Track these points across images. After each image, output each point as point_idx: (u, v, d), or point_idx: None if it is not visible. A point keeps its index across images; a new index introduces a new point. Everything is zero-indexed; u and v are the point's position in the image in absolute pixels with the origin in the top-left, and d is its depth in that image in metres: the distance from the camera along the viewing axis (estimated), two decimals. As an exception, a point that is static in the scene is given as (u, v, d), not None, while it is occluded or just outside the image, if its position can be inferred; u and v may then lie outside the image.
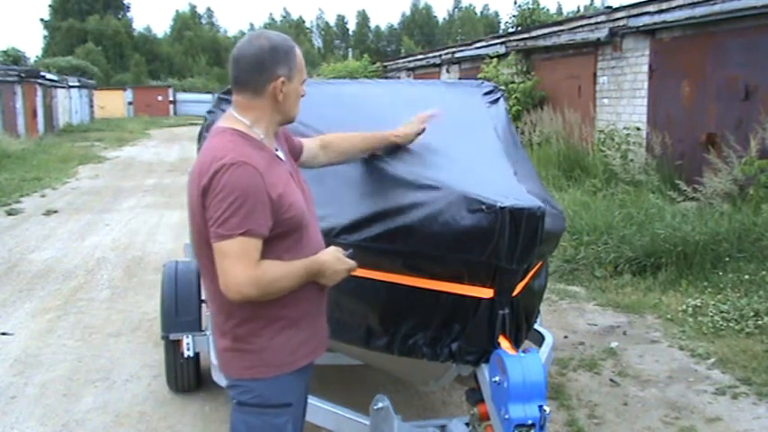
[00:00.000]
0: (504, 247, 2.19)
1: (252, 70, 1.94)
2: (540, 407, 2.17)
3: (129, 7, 75.97)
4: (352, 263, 2.05)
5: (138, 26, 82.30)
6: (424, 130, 2.66)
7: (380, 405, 2.57)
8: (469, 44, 16.92)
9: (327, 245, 2.18)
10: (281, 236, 1.92)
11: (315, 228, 2.11)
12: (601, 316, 5.39)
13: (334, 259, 2.00)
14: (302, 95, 2.07)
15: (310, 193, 2.15)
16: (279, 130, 2.11)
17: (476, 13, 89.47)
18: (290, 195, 1.94)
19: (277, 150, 2.05)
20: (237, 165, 1.82)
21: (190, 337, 3.71)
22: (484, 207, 2.20)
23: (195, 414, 3.78)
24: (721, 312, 5.05)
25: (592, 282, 6.17)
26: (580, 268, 6.40)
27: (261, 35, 1.99)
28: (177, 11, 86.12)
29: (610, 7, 11.09)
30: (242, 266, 1.81)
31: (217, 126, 2.01)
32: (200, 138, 4.30)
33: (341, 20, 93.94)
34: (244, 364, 1.98)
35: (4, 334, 5.10)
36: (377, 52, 60.81)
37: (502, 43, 14.09)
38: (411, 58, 21.40)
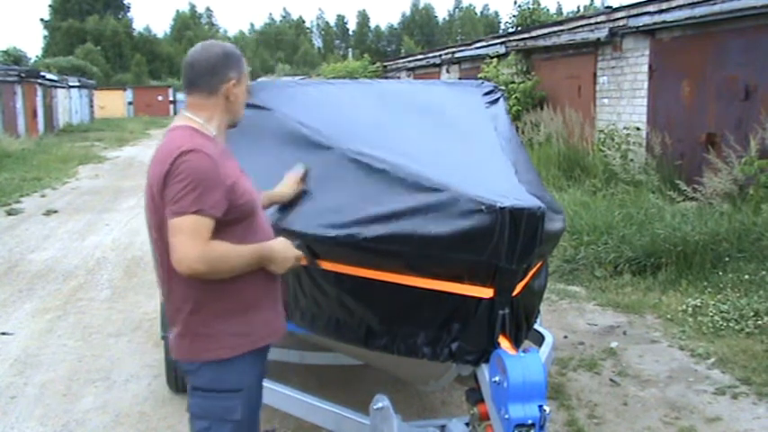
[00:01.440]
0: (504, 247, 2.19)
1: (206, 73, 2.14)
2: (540, 407, 2.17)
3: (128, 7, 75.99)
4: (299, 252, 2.24)
5: (138, 26, 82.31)
6: (303, 191, 2.76)
7: (380, 405, 2.57)
8: (469, 44, 16.92)
9: (328, 244, 2.19)
10: (233, 222, 2.08)
11: (265, 221, 2.30)
12: (601, 316, 5.39)
13: (284, 247, 2.18)
14: (245, 102, 2.28)
15: (258, 188, 2.34)
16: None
17: (476, 13, 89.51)
18: (243, 185, 2.14)
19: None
20: (195, 152, 2.01)
21: (190, 337, 3.71)
22: (484, 207, 2.20)
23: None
24: (721, 312, 5.05)
25: (592, 282, 6.17)
26: (580, 268, 6.40)
27: (214, 43, 2.24)
28: (177, 11, 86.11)
29: (610, 7, 11.10)
30: (192, 242, 1.96)
31: (172, 125, 2.18)
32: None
33: (341, 20, 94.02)
34: (196, 349, 2.12)
35: (4, 334, 5.10)
36: (377, 52, 60.85)
37: (502, 43, 14.09)
38: (411, 58, 21.40)
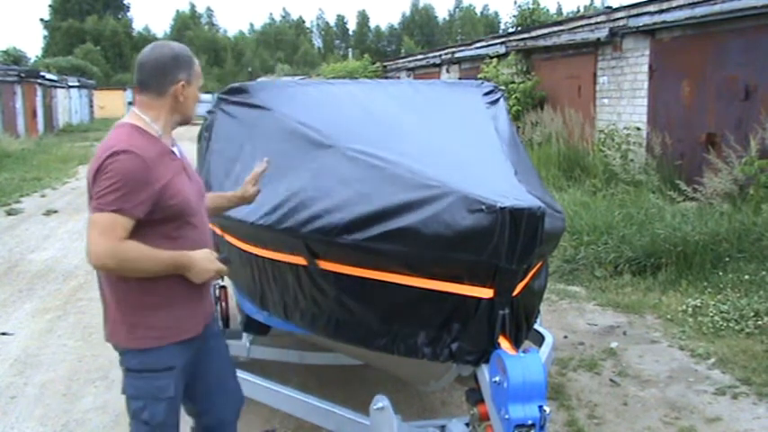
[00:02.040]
0: (504, 247, 2.19)
1: (156, 74, 2.22)
2: (540, 407, 2.17)
3: (128, 7, 75.99)
4: (221, 266, 2.27)
5: (138, 26, 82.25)
6: (258, 191, 2.71)
7: (380, 405, 2.57)
8: (469, 44, 16.92)
9: (328, 244, 2.19)
10: (162, 220, 2.17)
11: (201, 222, 2.35)
12: (601, 316, 5.39)
13: (204, 258, 2.22)
14: (199, 101, 2.36)
15: (202, 189, 2.45)
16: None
17: (476, 13, 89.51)
18: (177, 185, 2.20)
19: (173, 146, 2.31)
20: (125, 153, 2.08)
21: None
22: (484, 207, 2.20)
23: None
24: (721, 312, 5.05)
25: (592, 282, 6.16)
26: (580, 268, 6.40)
27: (165, 44, 2.31)
28: (177, 11, 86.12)
29: (610, 7, 11.11)
30: (104, 238, 2.05)
31: (119, 122, 2.28)
32: (200, 137, 4.30)
33: (341, 20, 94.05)
34: (129, 336, 2.23)
35: (4, 334, 5.10)
36: (377, 52, 60.85)
37: (502, 43, 14.09)
38: (411, 58, 21.40)
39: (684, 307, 5.28)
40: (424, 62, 19.42)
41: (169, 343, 2.24)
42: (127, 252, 2.07)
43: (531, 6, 19.38)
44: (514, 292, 2.36)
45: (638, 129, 9.52)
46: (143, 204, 2.08)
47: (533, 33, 13.15)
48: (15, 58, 43.82)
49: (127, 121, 2.25)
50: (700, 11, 8.40)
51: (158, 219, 2.15)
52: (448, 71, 17.47)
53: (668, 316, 5.24)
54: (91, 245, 2.06)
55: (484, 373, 2.34)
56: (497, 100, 3.83)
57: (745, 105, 7.96)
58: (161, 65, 2.22)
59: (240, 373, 3.20)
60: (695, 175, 7.65)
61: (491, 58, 13.82)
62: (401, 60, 22.81)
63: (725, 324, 4.91)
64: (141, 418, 2.28)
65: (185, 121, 2.35)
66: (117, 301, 2.23)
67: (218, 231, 3.18)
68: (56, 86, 29.76)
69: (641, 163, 8.98)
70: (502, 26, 63.84)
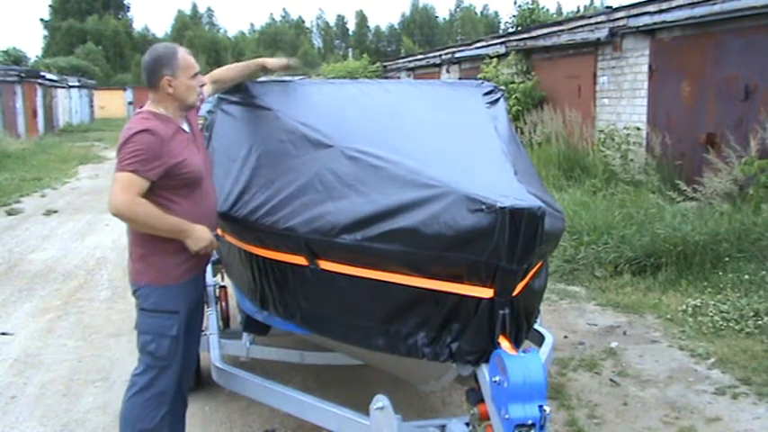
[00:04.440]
0: (504, 247, 2.18)
1: (147, 74, 2.77)
2: (540, 407, 2.17)
3: (128, 7, 75.98)
4: (213, 238, 2.82)
5: (138, 26, 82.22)
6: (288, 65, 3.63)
7: (380, 405, 2.57)
8: (469, 44, 16.91)
9: (328, 244, 2.25)
10: (178, 186, 2.72)
11: (209, 189, 2.92)
12: (601, 316, 5.39)
13: (201, 230, 2.74)
14: (200, 84, 2.87)
15: (210, 160, 3.09)
16: (185, 113, 2.88)
17: (476, 13, 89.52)
18: (189, 158, 2.74)
19: (183, 125, 2.82)
20: (146, 131, 2.62)
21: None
22: (484, 207, 2.20)
23: (195, 414, 3.77)
24: (721, 312, 5.05)
25: (592, 282, 6.17)
26: (580, 268, 6.40)
27: (152, 48, 2.82)
28: (178, 11, 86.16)
29: (610, 7, 11.10)
30: (123, 192, 2.56)
31: (138, 110, 2.83)
32: (201, 137, 4.30)
33: (341, 20, 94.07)
34: (143, 274, 2.77)
35: (4, 334, 5.10)
36: (377, 52, 60.86)
37: (502, 43, 14.09)
38: (411, 58, 21.39)
39: (684, 307, 5.28)
40: (424, 62, 19.41)
41: (177, 283, 2.76)
42: (139, 207, 2.57)
43: (530, 6, 19.35)
44: (514, 292, 2.36)
45: (638, 129, 9.52)
46: (156, 170, 2.60)
47: (533, 33, 13.15)
48: (15, 58, 43.81)
49: (145, 109, 2.78)
50: (700, 11, 8.40)
51: (173, 184, 2.70)
52: (448, 71, 17.47)
53: (668, 316, 5.24)
54: (112, 197, 2.57)
55: (484, 372, 2.34)
56: (497, 100, 3.82)
57: (745, 105, 7.96)
58: (149, 67, 2.76)
59: (240, 373, 3.21)
60: (695, 175, 7.65)
61: (491, 58, 13.81)
62: (401, 60, 22.80)
63: (725, 324, 4.91)
64: (148, 350, 2.78)
65: (187, 107, 2.84)
66: (137, 245, 2.75)
67: (218, 231, 3.18)
68: (56, 86, 29.76)
69: (641, 163, 8.98)
70: (502, 26, 63.79)
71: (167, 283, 2.75)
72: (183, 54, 2.78)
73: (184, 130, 2.83)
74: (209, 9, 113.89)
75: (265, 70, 3.59)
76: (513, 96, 12.27)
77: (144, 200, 2.59)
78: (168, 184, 2.68)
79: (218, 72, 3.44)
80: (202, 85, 2.92)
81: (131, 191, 2.56)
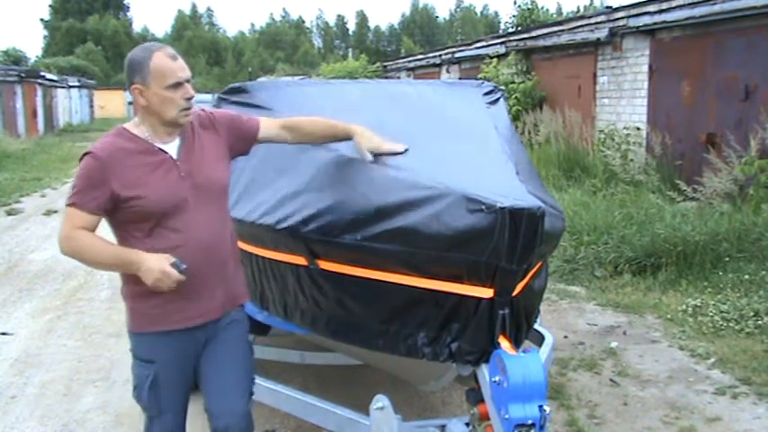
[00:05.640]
0: (504, 247, 2.18)
1: (125, 79, 2.35)
2: (540, 407, 2.17)
3: (128, 7, 75.99)
4: (169, 269, 2.20)
5: (138, 26, 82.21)
6: (397, 152, 2.67)
7: (380, 405, 2.57)
8: (469, 44, 16.92)
9: (328, 244, 2.22)
10: (132, 220, 2.28)
11: (195, 221, 2.32)
12: (601, 316, 5.39)
13: (154, 260, 2.21)
14: (185, 97, 2.30)
15: (210, 186, 2.39)
16: (186, 125, 2.38)
17: (476, 13, 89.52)
18: (142, 188, 2.24)
19: (166, 145, 2.34)
20: (90, 155, 2.25)
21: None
22: (484, 207, 2.20)
23: (195, 414, 3.76)
24: (721, 312, 5.05)
25: (592, 282, 6.17)
26: (580, 268, 6.40)
27: (134, 49, 2.39)
28: (178, 11, 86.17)
29: (610, 7, 11.09)
30: (64, 226, 2.25)
31: None
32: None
33: (341, 20, 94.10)
34: (128, 318, 2.44)
35: (4, 334, 5.10)
36: (377, 52, 60.85)
37: (502, 43, 14.09)
38: (411, 58, 21.39)
39: (684, 307, 5.28)
40: (424, 62, 19.42)
41: (153, 331, 2.36)
42: (77, 241, 2.23)
43: (530, 6, 19.35)
44: (514, 292, 2.36)
45: (638, 129, 9.52)
46: (97, 200, 2.22)
47: (533, 33, 13.15)
48: (15, 58, 43.84)
49: (125, 124, 2.39)
50: (700, 11, 8.40)
51: (123, 219, 2.28)
52: (448, 71, 17.47)
53: (668, 316, 5.24)
54: (58, 234, 2.29)
55: (484, 372, 2.34)
56: (497, 100, 3.82)
57: (745, 105, 7.96)
58: (125, 71, 2.36)
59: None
60: (695, 175, 7.65)
61: (491, 58, 13.81)
62: (401, 60, 22.80)
63: (725, 324, 4.91)
64: (134, 395, 2.49)
65: (166, 123, 2.32)
66: (122, 286, 2.41)
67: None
68: (56, 86, 29.76)
69: (641, 163, 8.98)
70: (502, 26, 63.81)
71: (138, 330, 2.41)
72: (161, 59, 2.27)
73: (162, 151, 2.32)
74: (208, 9, 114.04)
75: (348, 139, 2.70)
76: (513, 96, 12.28)
77: (83, 232, 2.22)
78: (124, 217, 2.27)
79: (298, 121, 2.69)
80: (189, 98, 2.32)
81: (71, 224, 2.23)
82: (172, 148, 2.35)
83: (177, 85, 2.27)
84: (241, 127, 2.58)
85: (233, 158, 2.56)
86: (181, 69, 2.29)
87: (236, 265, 2.53)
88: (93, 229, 2.25)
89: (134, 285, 2.31)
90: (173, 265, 2.21)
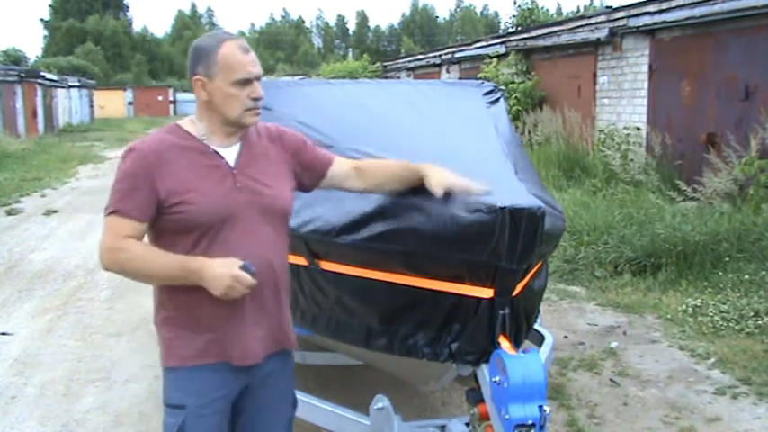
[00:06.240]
0: (504, 247, 2.19)
1: (188, 69, 2.03)
2: (540, 407, 2.17)
3: (128, 7, 76.01)
4: (242, 273, 1.87)
5: (138, 26, 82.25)
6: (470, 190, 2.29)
7: (380, 405, 2.57)
8: (469, 44, 16.92)
9: (328, 244, 2.14)
10: (176, 231, 1.94)
11: (243, 236, 1.98)
12: (601, 316, 5.39)
13: (220, 264, 1.88)
14: (253, 97, 1.99)
15: (265, 203, 2.04)
16: (248, 131, 2.08)
17: (476, 13, 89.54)
18: (191, 194, 1.92)
19: (223, 149, 2.02)
20: (134, 151, 1.95)
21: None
22: (484, 207, 2.20)
23: None
24: (721, 312, 5.05)
25: (592, 282, 6.17)
26: (580, 268, 6.40)
27: (203, 36, 2.08)
28: (179, 11, 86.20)
29: (610, 7, 11.10)
30: (106, 237, 1.93)
31: None
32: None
33: (341, 20, 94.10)
34: (163, 351, 2.05)
35: (4, 334, 5.09)
36: (377, 52, 60.86)
37: (502, 43, 14.09)
38: (411, 58, 21.40)
39: (684, 307, 5.28)
40: (424, 62, 19.42)
41: (193, 365, 1.99)
42: (126, 252, 1.89)
43: (530, 6, 19.35)
44: (514, 292, 2.36)
45: (638, 129, 9.52)
46: (143, 206, 1.90)
47: (533, 33, 13.16)
48: (15, 58, 43.86)
49: (180, 120, 2.09)
50: (700, 11, 8.40)
51: (169, 229, 1.94)
52: (448, 71, 17.47)
53: (668, 316, 5.24)
54: (100, 244, 1.95)
55: (484, 372, 2.34)
56: (497, 100, 3.83)
57: (745, 105, 7.96)
58: (188, 60, 2.03)
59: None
60: (695, 175, 7.65)
61: (491, 58, 13.82)
62: (401, 60, 22.81)
63: (725, 324, 4.91)
64: None
65: (228, 123, 2.01)
66: (155, 315, 2.07)
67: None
68: (56, 86, 29.75)
69: (641, 163, 8.98)
70: (502, 26, 63.84)
71: (175, 364, 2.01)
72: (231, 50, 1.96)
73: (218, 155, 2.00)
74: (209, 9, 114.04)
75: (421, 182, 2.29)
76: (513, 96, 12.28)
77: (131, 241, 1.90)
78: (163, 227, 1.95)
79: (369, 164, 2.35)
80: (257, 99, 2.00)
81: (115, 234, 1.91)
82: (230, 153, 2.03)
83: (246, 81, 1.97)
84: (312, 156, 2.24)
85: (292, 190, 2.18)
86: (252, 64, 1.98)
87: (288, 301, 2.17)
88: (140, 239, 1.94)
89: (174, 310, 2.00)
90: (242, 267, 1.88)
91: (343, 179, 2.29)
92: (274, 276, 2.05)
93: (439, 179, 2.23)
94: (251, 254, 1.96)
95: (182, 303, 1.98)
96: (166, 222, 1.94)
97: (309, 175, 2.24)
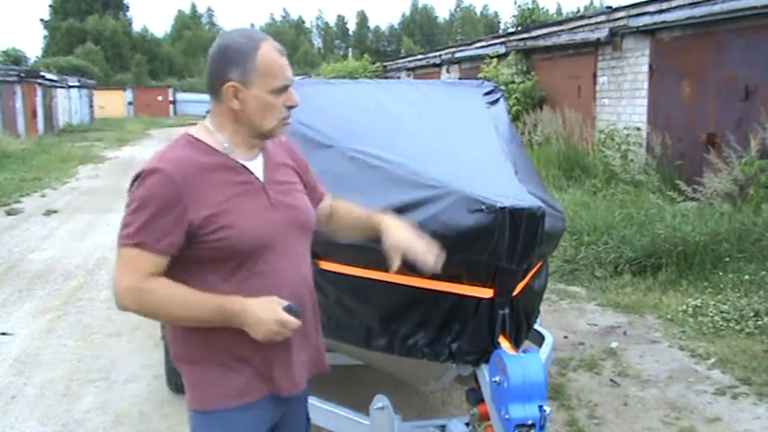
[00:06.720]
0: (504, 247, 2.19)
1: (209, 72, 1.76)
2: (540, 407, 2.17)
3: (128, 7, 75.99)
4: (286, 317, 1.68)
5: (137, 26, 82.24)
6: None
7: (380, 405, 2.57)
8: (469, 44, 16.93)
9: (328, 244, 2.14)
10: (212, 260, 1.71)
11: (283, 259, 1.79)
12: (601, 316, 5.39)
13: (263, 308, 1.67)
14: (288, 105, 1.78)
15: (300, 220, 1.86)
16: (269, 143, 1.87)
17: (476, 13, 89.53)
18: (229, 216, 1.69)
19: (249, 162, 1.79)
20: (156, 173, 1.66)
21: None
22: (484, 207, 2.20)
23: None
24: (721, 312, 5.05)
25: (592, 282, 6.16)
26: (580, 268, 6.40)
27: (226, 34, 1.80)
28: (179, 11, 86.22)
29: (610, 7, 11.09)
30: (126, 276, 1.66)
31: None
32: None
33: (341, 20, 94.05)
34: (191, 392, 1.82)
35: (4, 334, 5.09)
36: (377, 52, 60.83)
37: (502, 43, 14.09)
38: (411, 58, 21.39)
39: (684, 307, 5.28)
40: (424, 62, 19.42)
41: (232, 406, 1.77)
42: (153, 294, 1.66)
43: (530, 6, 19.35)
44: (514, 292, 2.36)
45: (638, 129, 9.52)
46: (172, 237, 1.65)
47: (533, 33, 13.16)
48: (15, 58, 43.85)
49: (190, 130, 1.81)
50: (700, 11, 8.40)
51: (203, 258, 1.70)
52: (448, 71, 17.47)
53: (668, 316, 5.24)
54: (115, 283, 1.70)
55: (484, 373, 2.34)
56: (497, 100, 3.82)
57: (745, 105, 7.96)
58: (212, 61, 1.75)
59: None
60: (695, 175, 7.65)
61: (491, 58, 13.82)
62: (401, 60, 22.81)
63: (725, 324, 4.91)
64: None
65: (261, 135, 1.79)
66: (176, 349, 1.83)
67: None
68: (56, 86, 29.74)
69: (641, 163, 8.98)
70: (502, 26, 63.91)
71: (210, 407, 1.78)
72: (270, 52, 1.73)
73: (247, 170, 1.78)
74: (209, 9, 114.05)
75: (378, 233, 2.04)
76: (513, 96, 12.28)
77: (157, 280, 1.67)
78: (196, 256, 1.70)
79: (341, 206, 2.16)
80: (292, 107, 1.80)
81: (138, 272, 1.65)
82: (256, 166, 1.81)
83: (284, 88, 1.76)
84: (314, 182, 2.07)
85: None
86: (288, 68, 1.78)
87: (319, 320, 2.00)
88: (162, 275, 1.68)
89: (201, 349, 1.76)
90: (286, 309, 1.68)
91: (325, 216, 2.12)
92: (313, 298, 1.91)
93: (395, 240, 1.97)
94: (294, 280, 1.81)
95: (214, 336, 1.74)
96: (201, 251, 1.69)
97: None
